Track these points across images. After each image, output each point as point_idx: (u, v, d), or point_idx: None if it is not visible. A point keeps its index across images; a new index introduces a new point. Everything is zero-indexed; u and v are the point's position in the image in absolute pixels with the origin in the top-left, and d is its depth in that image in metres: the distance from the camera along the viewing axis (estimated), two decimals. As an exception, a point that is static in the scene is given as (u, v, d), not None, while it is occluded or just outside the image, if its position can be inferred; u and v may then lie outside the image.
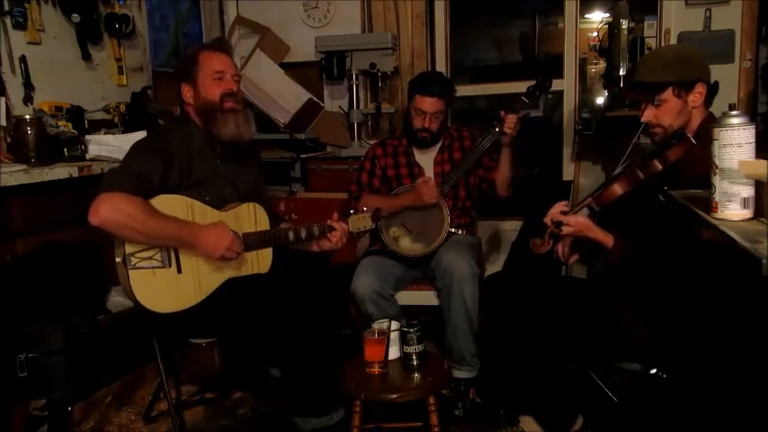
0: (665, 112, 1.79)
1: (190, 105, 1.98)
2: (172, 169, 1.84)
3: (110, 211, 1.68)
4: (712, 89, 1.81)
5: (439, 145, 2.55)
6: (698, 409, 1.50)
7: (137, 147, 1.89)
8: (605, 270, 1.88)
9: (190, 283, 1.83)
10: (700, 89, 1.78)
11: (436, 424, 1.85)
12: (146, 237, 1.74)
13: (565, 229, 1.74)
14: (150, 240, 1.76)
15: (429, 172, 2.53)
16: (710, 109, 1.83)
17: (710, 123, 1.38)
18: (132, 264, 1.76)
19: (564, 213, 1.76)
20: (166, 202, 1.79)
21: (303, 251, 2.09)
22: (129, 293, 1.78)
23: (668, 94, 1.78)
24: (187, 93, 1.97)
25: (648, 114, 1.81)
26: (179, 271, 1.82)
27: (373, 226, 2.09)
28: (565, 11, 3.28)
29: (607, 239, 1.71)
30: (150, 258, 1.78)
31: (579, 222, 1.73)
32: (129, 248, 1.76)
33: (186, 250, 1.83)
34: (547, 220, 1.78)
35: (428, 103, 2.40)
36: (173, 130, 2.03)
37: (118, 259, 1.76)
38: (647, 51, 2.83)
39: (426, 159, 2.55)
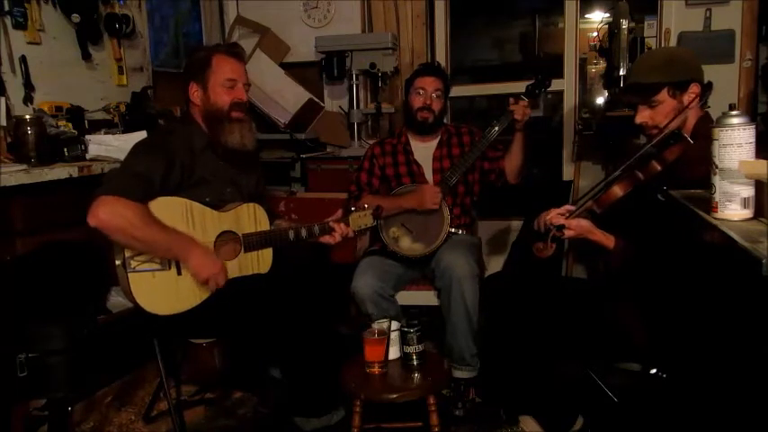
0: (660, 113, 1.80)
1: (196, 106, 1.96)
2: (173, 170, 1.83)
3: (109, 214, 1.67)
4: (706, 88, 1.81)
5: (437, 140, 2.56)
6: (698, 409, 1.49)
7: (138, 147, 1.88)
8: (606, 270, 1.88)
9: (190, 285, 1.82)
10: (694, 89, 1.79)
11: (436, 424, 1.85)
12: (140, 243, 1.73)
13: (567, 233, 1.75)
14: (144, 247, 1.75)
15: (428, 168, 2.54)
16: (711, 109, 1.83)
17: (706, 122, 1.38)
18: (132, 267, 1.75)
19: (563, 216, 1.76)
20: (165, 205, 1.79)
21: (301, 247, 2.08)
22: (130, 296, 1.78)
23: (663, 95, 1.79)
24: (195, 93, 1.95)
25: (644, 116, 1.83)
26: (179, 273, 1.81)
27: (374, 223, 2.09)
28: (565, 11, 3.27)
29: (608, 241, 1.73)
30: (150, 261, 1.77)
31: (581, 226, 1.75)
32: (128, 251, 1.75)
33: None
34: (546, 220, 1.79)
35: (429, 81, 2.49)
36: (174, 130, 2.02)
37: (117, 262, 1.76)
38: (646, 51, 2.83)
39: (425, 155, 2.55)
